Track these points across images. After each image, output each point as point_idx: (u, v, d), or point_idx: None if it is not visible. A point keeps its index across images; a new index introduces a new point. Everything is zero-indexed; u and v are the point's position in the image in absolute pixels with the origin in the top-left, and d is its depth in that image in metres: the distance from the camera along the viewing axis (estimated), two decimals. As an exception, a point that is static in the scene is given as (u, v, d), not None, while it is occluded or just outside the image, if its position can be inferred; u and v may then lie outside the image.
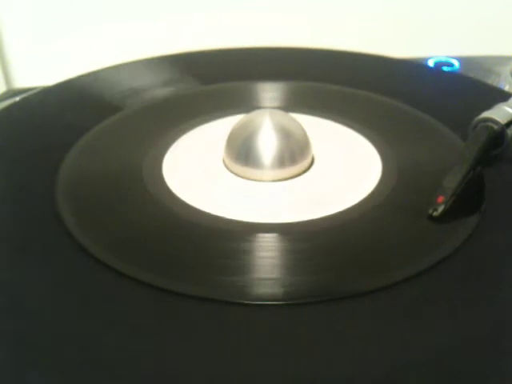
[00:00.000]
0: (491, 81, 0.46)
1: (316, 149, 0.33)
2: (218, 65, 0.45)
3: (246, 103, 0.39)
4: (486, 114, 0.31)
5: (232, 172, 0.32)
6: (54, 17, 0.58)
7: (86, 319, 0.23)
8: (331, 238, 0.27)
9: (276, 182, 0.31)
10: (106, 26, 0.59)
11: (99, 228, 0.28)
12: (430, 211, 0.27)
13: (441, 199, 0.27)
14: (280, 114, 0.33)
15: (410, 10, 0.61)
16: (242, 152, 0.32)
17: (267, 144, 0.31)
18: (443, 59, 0.49)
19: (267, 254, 0.26)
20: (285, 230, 0.28)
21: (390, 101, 0.39)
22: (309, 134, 0.33)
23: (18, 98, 0.42)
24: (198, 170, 0.32)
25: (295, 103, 0.39)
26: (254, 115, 0.33)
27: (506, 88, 0.45)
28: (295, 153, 0.32)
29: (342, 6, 0.60)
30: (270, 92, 0.41)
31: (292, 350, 0.21)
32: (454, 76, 0.46)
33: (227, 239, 0.27)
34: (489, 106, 0.32)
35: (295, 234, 0.27)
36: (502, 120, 0.31)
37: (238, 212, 0.29)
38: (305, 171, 0.32)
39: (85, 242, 0.26)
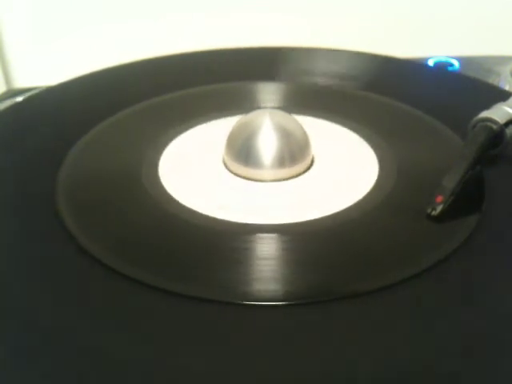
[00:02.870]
0: (491, 81, 0.46)
1: (316, 149, 0.33)
2: (218, 65, 0.45)
3: (245, 103, 0.39)
4: (484, 114, 0.31)
5: (232, 172, 0.32)
6: (54, 17, 0.58)
7: (86, 319, 0.23)
8: (331, 238, 0.27)
9: (276, 182, 0.31)
10: (106, 26, 0.59)
11: (99, 228, 0.28)
12: (429, 210, 0.27)
13: (439, 199, 0.27)
14: (280, 114, 0.33)
15: (410, 10, 0.61)
16: (242, 152, 0.32)
17: (267, 144, 0.31)
18: (443, 59, 0.49)
19: (267, 254, 0.26)
20: (285, 230, 0.28)
21: (390, 101, 0.39)
22: (308, 134, 0.33)
23: (18, 98, 0.42)
24: (197, 170, 0.32)
25: (295, 103, 0.39)
26: (254, 115, 0.33)
27: (506, 88, 0.45)
28: (295, 153, 0.32)
29: (342, 6, 0.60)
30: (269, 92, 0.41)
31: (292, 350, 0.21)
32: (453, 76, 0.46)
33: (227, 239, 0.27)
34: (489, 106, 0.32)
35: (295, 235, 0.27)
36: (501, 120, 0.31)
37: (237, 212, 0.29)
38: (305, 171, 0.32)
39: (85, 242, 0.26)
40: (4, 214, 0.29)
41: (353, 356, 0.21)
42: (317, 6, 0.60)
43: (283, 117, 0.33)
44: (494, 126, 0.31)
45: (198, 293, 0.24)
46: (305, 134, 0.33)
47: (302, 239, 0.27)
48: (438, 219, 0.27)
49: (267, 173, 0.31)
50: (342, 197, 0.30)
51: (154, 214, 0.29)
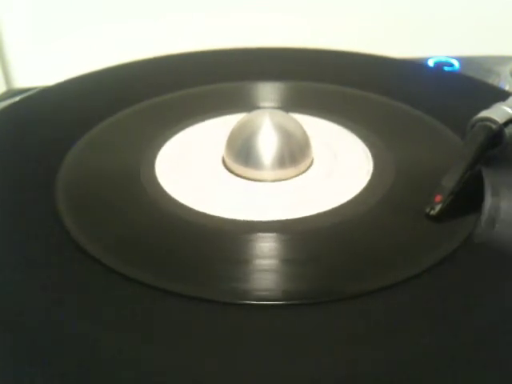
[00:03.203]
0: (491, 81, 0.46)
1: (316, 149, 0.33)
2: (218, 65, 0.45)
3: (246, 103, 0.39)
4: (484, 114, 0.31)
5: (232, 172, 0.32)
6: (54, 17, 0.58)
7: (86, 319, 0.23)
8: (331, 237, 0.27)
9: (276, 182, 0.31)
10: (106, 26, 0.59)
11: (98, 228, 0.28)
12: (428, 210, 0.27)
13: (438, 198, 0.28)
14: (280, 114, 0.33)
15: (410, 10, 0.61)
16: (242, 152, 0.32)
17: (267, 144, 0.31)
18: (443, 59, 0.49)
19: (267, 253, 0.26)
20: (284, 230, 0.28)
21: (390, 101, 0.39)
22: (308, 133, 0.33)
23: (18, 98, 0.42)
24: (197, 170, 0.33)
25: (295, 103, 0.39)
26: (253, 115, 0.33)
27: (506, 88, 0.45)
28: (295, 153, 0.32)
29: (341, 6, 0.60)
30: (269, 92, 0.41)
31: (292, 349, 0.21)
32: (454, 76, 0.46)
33: (227, 239, 0.27)
34: (489, 106, 0.32)
35: (295, 234, 0.27)
36: (501, 119, 0.31)
37: (237, 212, 0.29)
38: (305, 171, 0.32)
39: (84, 242, 0.26)
40: (3, 214, 0.29)
41: (353, 356, 0.21)
42: (317, 6, 0.60)
43: (283, 117, 0.33)
44: (494, 126, 0.31)
45: (198, 293, 0.24)
46: (305, 134, 0.33)
47: (302, 239, 0.27)
48: (438, 219, 0.27)
49: (267, 173, 0.31)
50: (342, 196, 0.30)
51: (153, 213, 0.29)
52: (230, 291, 0.24)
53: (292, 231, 0.28)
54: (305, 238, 0.27)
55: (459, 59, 0.49)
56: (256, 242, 0.27)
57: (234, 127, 0.33)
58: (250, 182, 0.31)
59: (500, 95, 0.34)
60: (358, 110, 0.38)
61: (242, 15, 0.59)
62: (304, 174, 0.32)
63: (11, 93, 0.47)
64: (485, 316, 0.23)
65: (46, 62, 0.59)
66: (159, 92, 0.40)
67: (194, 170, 0.33)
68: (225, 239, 0.27)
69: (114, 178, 0.32)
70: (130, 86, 0.42)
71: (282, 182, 0.31)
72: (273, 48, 0.47)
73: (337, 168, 0.33)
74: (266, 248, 0.27)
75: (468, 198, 0.29)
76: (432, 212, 0.27)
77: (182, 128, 0.36)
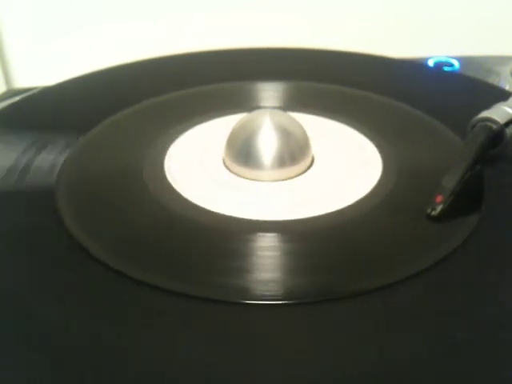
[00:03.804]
0: (491, 81, 0.46)
1: (316, 149, 0.33)
2: (218, 65, 0.45)
3: (245, 103, 0.39)
4: (484, 114, 0.31)
5: (232, 172, 0.32)
6: (54, 17, 0.58)
7: (86, 319, 0.23)
8: (331, 237, 0.27)
9: (276, 182, 0.31)
10: (105, 26, 0.59)
11: (99, 228, 0.28)
12: (429, 210, 0.27)
13: (439, 199, 0.28)
14: (280, 114, 0.33)
15: (410, 10, 0.61)
16: (242, 152, 0.32)
17: (267, 144, 0.31)
18: (443, 59, 0.49)
19: (267, 253, 0.26)
20: (285, 230, 0.28)
21: (390, 101, 0.39)
22: (309, 133, 0.33)
23: (18, 98, 0.42)
24: (198, 170, 0.32)
25: (295, 103, 0.39)
26: (254, 115, 0.33)
27: (506, 88, 0.45)
28: (295, 153, 0.32)
29: (341, 6, 0.60)
30: (269, 92, 0.41)
31: (292, 350, 0.21)
32: (454, 76, 0.46)
33: (227, 239, 0.27)
34: (489, 106, 0.32)
35: (295, 234, 0.27)
36: (501, 120, 0.31)
37: (238, 212, 0.29)
38: (305, 171, 0.32)
39: (85, 241, 0.26)
40: (4, 214, 0.29)
41: (353, 356, 0.21)
42: (317, 6, 0.60)
43: (283, 117, 0.33)
44: (494, 126, 0.31)
45: (198, 293, 0.24)
46: (305, 133, 0.33)
47: (302, 238, 0.27)
48: (438, 219, 0.27)
49: (267, 173, 0.31)
50: (342, 196, 0.30)
51: (152, 213, 0.29)
52: (230, 291, 0.24)
53: (292, 231, 0.28)
54: (305, 237, 0.27)
55: (459, 59, 0.49)
56: (257, 241, 0.27)
57: (234, 127, 0.33)
58: (249, 181, 0.31)
59: (500, 95, 0.34)
60: (357, 110, 0.38)
61: (242, 15, 0.59)
62: (304, 174, 0.32)
63: (11, 93, 0.47)
64: (485, 316, 0.23)
65: (46, 62, 0.59)
66: (159, 92, 0.40)
67: (194, 170, 0.32)
68: (225, 238, 0.27)
69: (115, 177, 0.32)
70: (130, 86, 0.42)
71: (283, 181, 0.31)
72: (273, 48, 0.47)
73: (337, 168, 0.33)
74: (267, 247, 0.27)
75: (468, 198, 0.29)
76: (433, 213, 0.27)
77: (183, 128, 0.36)
